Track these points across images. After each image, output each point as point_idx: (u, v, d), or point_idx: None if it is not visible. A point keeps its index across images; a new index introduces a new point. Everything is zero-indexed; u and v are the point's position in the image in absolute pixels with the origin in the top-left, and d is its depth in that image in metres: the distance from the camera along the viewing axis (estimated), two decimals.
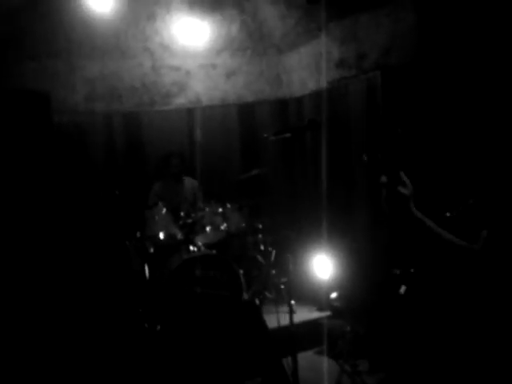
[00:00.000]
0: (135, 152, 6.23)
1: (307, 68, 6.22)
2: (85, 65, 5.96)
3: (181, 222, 5.22)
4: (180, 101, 6.43)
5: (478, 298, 2.31)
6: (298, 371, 3.46)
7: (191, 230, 5.24)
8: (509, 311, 2.26)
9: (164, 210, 5.10)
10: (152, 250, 4.97)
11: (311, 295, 5.34)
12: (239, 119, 6.67)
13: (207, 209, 5.27)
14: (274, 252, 5.62)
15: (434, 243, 2.29)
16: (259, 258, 5.69)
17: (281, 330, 4.33)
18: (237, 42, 6.40)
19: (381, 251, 2.60)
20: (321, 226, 5.37)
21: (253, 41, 6.47)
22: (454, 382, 2.38)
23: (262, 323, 4.38)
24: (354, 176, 5.43)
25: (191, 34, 6.08)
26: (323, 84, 5.92)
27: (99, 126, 6.06)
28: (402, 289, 2.60)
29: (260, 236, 5.71)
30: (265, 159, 6.55)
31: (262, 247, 5.69)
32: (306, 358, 4.61)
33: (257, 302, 5.27)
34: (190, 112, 6.46)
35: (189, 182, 5.89)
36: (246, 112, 6.68)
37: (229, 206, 5.38)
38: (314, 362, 4.57)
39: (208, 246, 5.25)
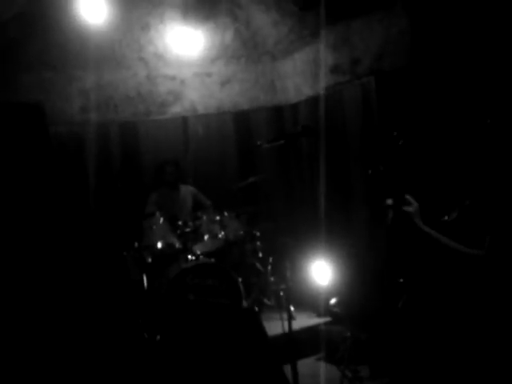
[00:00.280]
0: (131, 161, 6.23)
1: (302, 74, 6.23)
2: (80, 76, 5.96)
3: (178, 231, 5.21)
4: (175, 110, 6.44)
5: (482, 304, 2.32)
6: (298, 378, 3.45)
7: (189, 239, 5.23)
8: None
9: (161, 220, 5.09)
10: (150, 260, 4.96)
11: (311, 301, 5.34)
12: (235, 127, 6.67)
13: (205, 217, 5.27)
14: (271, 259, 5.61)
15: (442, 253, 2.32)
16: (258, 265, 5.68)
17: (280, 337, 4.32)
18: (231, 50, 6.42)
19: (380, 257, 2.60)
20: (319, 231, 5.37)
21: (247, 48, 6.49)
22: None
23: (262, 331, 4.37)
24: (350, 181, 5.44)
25: (185, 43, 6.09)
26: (318, 90, 5.93)
27: (95, 137, 6.04)
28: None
29: (258, 243, 5.70)
30: (261, 166, 6.55)
31: (261, 254, 5.69)
32: (306, 364, 4.60)
33: (256, 309, 5.26)
34: (185, 121, 6.47)
35: (186, 190, 5.88)
36: (241, 120, 6.69)
37: (226, 213, 5.38)
38: (314, 369, 4.56)
39: (206, 254, 5.24)
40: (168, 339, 4.60)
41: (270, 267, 5.60)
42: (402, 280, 2.56)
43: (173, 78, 6.39)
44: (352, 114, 5.33)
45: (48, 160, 5.01)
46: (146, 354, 4.49)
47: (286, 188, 6.72)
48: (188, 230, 5.23)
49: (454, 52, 3.87)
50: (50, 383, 4.19)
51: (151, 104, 6.36)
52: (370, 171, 2.43)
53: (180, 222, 5.22)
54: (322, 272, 5.08)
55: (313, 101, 6.03)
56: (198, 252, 5.20)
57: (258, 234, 5.71)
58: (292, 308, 5.28)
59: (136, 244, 5.05)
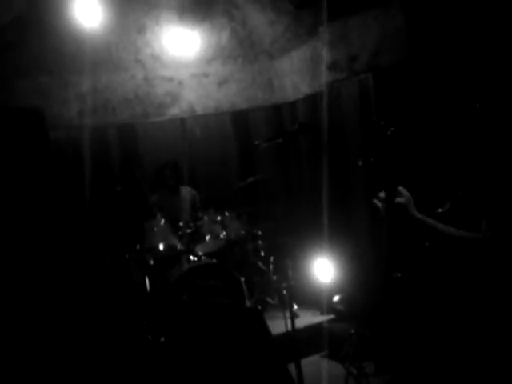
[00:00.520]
0: (132, 163, 6.22)
1: (299, 72, 6.23)
2: (77, 79, 5.95)
3: (180, 233, 5.21)
4: (174, 111, 6.43)
5: (484, 295, 2.32)
6: (302, 376, 3.45)
7: (191, 240, 5.23)
8: None
9: (163, 221, 5.09)
10: (152, 262, 4.96)
11: (314, 299, 5.34)
12: (234, 127, 6.67)
13: (206, 218, 5.27)
14: (273, 258, 5.61)
15: (439, 240, 2.32)
16: (260, 264, 5.69)
17: (284, 335, 4.32)
18: (227, 49, 6.41)
19: (382, 253, 2.60)
20: (320, 229, 5.36)
21: (243, 48, 6.48)
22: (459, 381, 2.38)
23: (266, 330, 4.36)
24: (349, 178, 5.44)
25: (182, 44, 6.09)
26: (316, 87, 5.93)
27: (94, 140, 6.02)
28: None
29: (260, 242, 5.71)
30: (261, 166, 6.55)
31: (263, 253, 5.69)
32: (311, 362, 4.61)
33: (259, 308, 5.26)
34: (184, 122, 6.46)
35: (186, 192, 5.88)
36: (240, 119, 6.69)
37: (227, 213, 5.37)
38: (319, 366, 4.56)
39: (208, 254, 5.24)
40: (172, 341, 4.60)
41: (272, 266, 5.61)
42: (399, 275, 2.56)
43: (170, 80, 6.38)
44: (350, 111, 5.33)
45: (47, 165, 5.00)
46: (150, 356, 4.49)
47: (285, 186, 6.72)
48: (189, 230, 5.23)
49: (450, 46, 3.87)
50: None
51: (149, 106, 6.35)
52: (360, 162, 2.45)
53: (181, 223, 5.22)
54: (324, 269, 5.08)
55: (311, 98, 6.03)
56: (200, 253, 5.21)
57: (260, 233, 5.71)
58: (295, 306, 5.31)
59: (138, 246, 5.05)
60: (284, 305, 5.16)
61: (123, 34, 5.93)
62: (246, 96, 6.72)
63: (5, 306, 4.40)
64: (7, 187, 4.65)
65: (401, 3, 4.43)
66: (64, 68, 5.82)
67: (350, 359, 4.15)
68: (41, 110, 5.07)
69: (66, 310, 4.72)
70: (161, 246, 5.01)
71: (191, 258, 5.15)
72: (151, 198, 5.74)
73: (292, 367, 3.66)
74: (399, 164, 2.46)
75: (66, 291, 4.81)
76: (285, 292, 5.37)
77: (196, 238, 5.24)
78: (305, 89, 6.20)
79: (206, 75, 6.51)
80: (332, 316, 5.09)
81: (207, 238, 5.23)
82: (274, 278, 5.59)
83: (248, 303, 5.01)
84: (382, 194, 2.43)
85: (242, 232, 5.47)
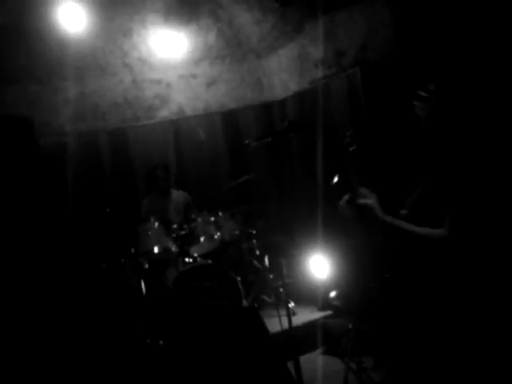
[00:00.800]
0: (123, 168, 6.22)
1: (287, 70, 6.23)
2: (65, 86, 5.94)
3: (174, 235, 5.19)
4: (163, 113, 6.43)
5: (455, 286, 2.33)
6: (301, 373, 3.45)
7: (185, 242, 5.22)
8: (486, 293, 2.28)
9: (156, 224, 5.08)
10: (147, 266, 4.95)
11: (311, 296, 5.34)
12: (224, 127, 6.66)
13: (199, 219, 5.25)
14: (268, 257, 5.61)
15: (407, 240, 2.34)
16: (256, 263, 5.68)
17: (282, 333, 4.32)
18: (215, 50, 6.41)
19: (375, 249, 2.61)
20: (314, 226, 5.37)
21: (231, 48, 6.48)
22: (455, 375, 2.38)
23: (264, 329, 4.36)
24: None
25: (169, 46, 6.09)
26: (305, 85, 5.94)
27: (85, 145, 6.02)
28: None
29: (254, 241, 5.70)
30: (253, 165, 6.55)
31: (258, 252, 5.68)
32: (310, 359, 4.61)
33: (256, 307, 5.26)
34: (174, 124, 6.46)
35: (178, 195, 5.85)
36: (230, 119, 6.68)
37: (221, 214, 5.37)
38: (318, 363, 4.56)
39: (203, 256, 5.23)
40: (171, 343, 4.59)
41: (267, 265, 5.60)
42: (387, 275, 2.57)
43: (159, 82, 6.38)
44: (339, 106, 5.33)
45: (37, 173, 4.99)
46: (149, 359, 4.49)
47: (278, 184, 6.72)
48: (183, 232, 5.21)
49: (435, 40, 3.87)
50: None
51: (139, 109, 6.35)
52: (332, 183, 2.53)
53: (175, 226, 5.21)
54: (320, 266, 5.09)
55: (300, 96, 6.04)
56: (195, 254, 5.19)
57: (254, 232, 5.70)
58: (293, 304, 5.32)
59: (132, 250, 5.04)
60: (281, 303, 5.17)
61: (109, 38, 5.92)
62: (235, 96, 6.72)
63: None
64: None
65: None
66: (52, 74, 5.81)
67: (349, 354, 4.15)
68: (30, 118, 5.06)
69: (62, 317, 4.71)
70: (155, 249, 4.99)
71: (186, 259, 5.14)
72: (144, 201, 5.73)
73: (291, 365, 3.66)
74: (365, 170, 2.53)
75: (61, 298, 4.81)
76: (281, 290, 5.39)
77: (190, 239, 5.22)
78: (294, 86, 6.21)
79: (194, 76, 6.51)
80: (329, 312, 5.08)
81: (201, 239, 5.22)
82: (270, 276, 5.58)
83: (245, 302, 5.01)
84: (346, 197, 2.47)
85: (237, 232, 5.46)
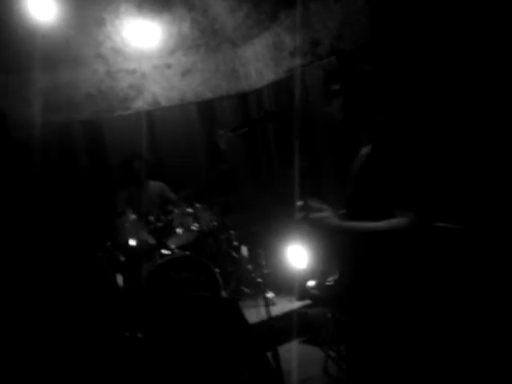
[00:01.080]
0: (98, 160, 6.14)
1: (263, 59, 6.20)
2: (37, 77, 5.82)
3: (151, 227, 5.16)
4: (138, 104, 6.36)
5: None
6: (280, 363, 3.45)
7: (162, 234, 5.19)
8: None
9: (133, 217, 5.04)
10: (123, 259, 4.91)
11: (290, 286, 5.34)
12: (200, 117, 6.62)
13: (176, 210, 5.22)
14: (246, 248, 5.60)
15: (362, 239, 2.33)
16: (234, 254, 5.67)
17: (261, 323, 4.33)
18: (189, 39, 6.33)
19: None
20: (291, 216, 5.36)
21: (205, 37, 6.41)
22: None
23: (243, 319, 4.36)
24: (319, 164, 5.44)
25: (143, 36, 6.00)
26: (280, 74, 5.91)
27: (59, 137, 5.96)
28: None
29: (232, 232, 5.69)
30: (230, 155, 6.51)
31: (236, 243, 5.68)
32: (289, 348, 4.63)
33: (235, 298, 5.26)
34: (149, 114, 6.40)
35: (155, 186, 5.80)
36: (205, 109, 6.64)
37: (198, 205, 5.34)
38: (298, 352, 4.58)
39: (181, 247, 5.21)
40: (150, 336, 4.57)
41: (244, 256, 5.60)
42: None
43: (133, 72, 6.30)
44: (316, 96, 5.32)
45: (9, 165, 4.90)
46: (128, 353, 4.46)
47: (255, 175, 6.70)
48: (160, 224, 5.18)
49: (412, 28, 3.88)
50: None
51: (113, 100, 6.27)
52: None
53: (152, 218, 5.17)
54: (298, 256, 5.08)
55: (276, 85, 6.02)
56: (173, 246, 5.17)
57: (232, 223, 5.69)
58: (272, 294, 5.33)
59: (109, 243, 4.99)
60: (260, 293, 5.18)
61: (82, 28, 5.79)
62: (210, 85, 6.67)
63: None
64: None
65: None
66: (22, 66, 5.68)
67: (328, 343, 4.18)
68: (1, 111, 4.96)
69: (37, 311, 4.66)
70: (133, 242, 4.96)
71: (164, 252, 5.11)
72: (119, 193, 5.66)
73: (270, 354, 3.66)
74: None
75: (36, 293, 4.75)
76: (260, 280, 5.39)
77: (168, 231, 5.20)
78: (269, 76, 6.18)
79: (168, 66, 6.44)
80: (308, 301, 5.10)
81: (179, 230, 5.19)
82: (249, 267, 5.59)
83: (223, 293, 5.00)
84: (300, 203, 2.47)
85: (214, 223, 5.45)
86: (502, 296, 2.86)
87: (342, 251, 2.51)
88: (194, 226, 5.26)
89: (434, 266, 2.40)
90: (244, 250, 5.61)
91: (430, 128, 3.75)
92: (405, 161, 2.27)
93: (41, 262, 5.07)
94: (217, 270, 4.97)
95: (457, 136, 3.60)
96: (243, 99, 6.79)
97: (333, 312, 4.29)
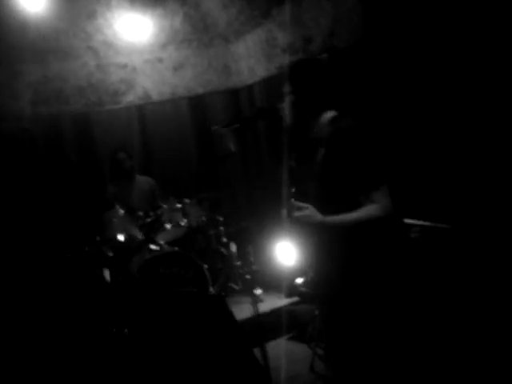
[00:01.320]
0: (88, 153, 6.11)
1: (255, 55, 6.18)
2: (27, 69, 5.79)
3: (140, 222, 5.13)
4: (129, 98, 6.32)
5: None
6: (267, 359, 3.45)
7: (151, 229, 5.16)
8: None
9: (121, 212, 5.00)
10: (111, 254, 4.87)
11: (278, 283, 5.35)
12: (191, 112, 6.59)
13: (165, 206, 5.19)
14: (235, 244, 5.60)
15: (354, 231, 2.33)
16: (223, 250, 5.67)
17: (249, 320, 4.33)
18: (181, 34, 6.30)
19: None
20: (280, 213, 5.35)
21: (197, 32, 6.38)
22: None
23: (230, 316, 4.36)
24: (311, 162, 5.43)
25: (134, 30, 5.97)
26: (272, 70, 5.90)
27: (48, 130, 5.92)
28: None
29: (222, 228, 5.68)
30: (221, 150, 6.48)
31: (225, 239, 5.67)
32: (277, 345, 4.63)
33: (223, 294, 5.25)
34: (140, 109, 6.36)
35: (143, 181, 5.75)
36: (197, 104, 6.61)
37: (187, 200, 5.32)
38: (285, 349, 4.58)
39: (170, 243, 5.19)
40: (137, 332, 4.55)
41: (234, 252, 5.59)
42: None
43: (124, 66, 6.27)
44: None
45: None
46: (115, 348, 4.44)
47: (245, 171, 6.69)
48: (149, 219, 5.15)
49: (404, 25, 3.88)
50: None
51: (104, 94, 6.23)
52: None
53: (140, 213, 5.14)
54: (287, 253, 5.08)
55: (268, 82, 6.00)
56: (162, 241, 5.14)
57: (221, 219, 5.68)
58: (260, 291, 5.33)
59: (97, 238, 4.96)
60: (248, 290, 5.18)
61: (73, 20, 5.76)
62: (202, 81, 6.65)
63: None
64: None
65: None
66: (13, 58, 5.64)
67: (316, 340, 4.18)
68: None
69: (24, 307, 4.63)
70: (121, 237, 4.92)
71: (152, 247, 5.08)
72: (108, 187, 5.63)
73: (257, 351, 3.66)
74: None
75: (23, 287, 4.72)
76: (248, 277, 5.40)
77: (156, 226, 5.16)
78: (261, 72, 6.16)
79: (160, 60, 6.41)
80: (296, 298, 5.10)
81: (168, 226, 5.16)
82: (238, 263, 5.58)
83: (212, 290, 4.99)
84: (283, 212, 2.47)
85: (204, 218, 5.42)
86: (490, 294, 2.87)
87: (327, 247, 2.49)
88: (183, 222, 5.23)
89: (420, 261, 2.41)
90: (233, 247, 5.60)
91: (409, 122, 3.80)
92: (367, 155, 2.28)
93: (26, 256, 5.03)
94: (205, 265, 4.96)
95: (444, 133, 3.61)
96: (234, 95, 6.77)
97: (320, 309, 4.30)
